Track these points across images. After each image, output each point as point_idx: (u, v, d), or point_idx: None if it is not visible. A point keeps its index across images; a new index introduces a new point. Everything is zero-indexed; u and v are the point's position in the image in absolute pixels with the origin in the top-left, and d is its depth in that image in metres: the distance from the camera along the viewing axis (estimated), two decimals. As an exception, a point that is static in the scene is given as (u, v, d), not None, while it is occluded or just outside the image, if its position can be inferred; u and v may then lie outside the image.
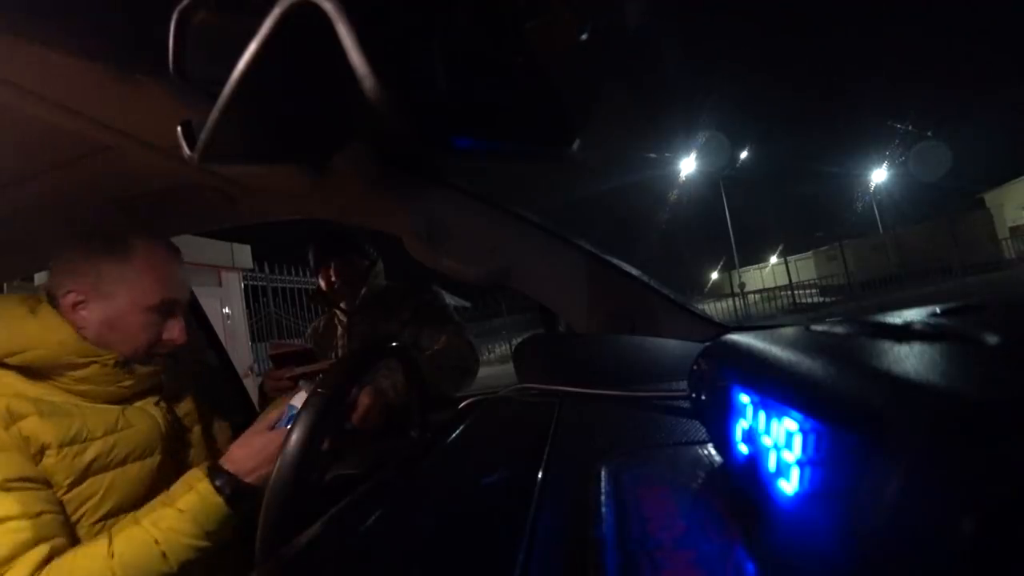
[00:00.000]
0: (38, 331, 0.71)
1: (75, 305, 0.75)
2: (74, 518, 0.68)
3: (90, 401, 0.74)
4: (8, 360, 0.69)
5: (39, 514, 0.62)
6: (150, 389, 0.82)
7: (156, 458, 0.77)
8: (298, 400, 0.74)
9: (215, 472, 0.70)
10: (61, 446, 0.67)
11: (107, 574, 0.60)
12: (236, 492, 0.70)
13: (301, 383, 0.85)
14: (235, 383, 1.41)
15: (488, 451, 0.50)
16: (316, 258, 1.42)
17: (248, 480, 0.71)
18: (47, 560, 0.60)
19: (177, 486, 0.70)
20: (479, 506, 0.36)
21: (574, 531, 0.26)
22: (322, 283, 1.42)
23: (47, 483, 0.66)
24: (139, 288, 0.77)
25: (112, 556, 0.61)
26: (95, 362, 0.73)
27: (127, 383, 0.77)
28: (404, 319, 1.35)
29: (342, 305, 1.42)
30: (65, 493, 0.67)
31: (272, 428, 0.75)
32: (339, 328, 1.42)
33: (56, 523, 0.64)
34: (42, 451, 0.66)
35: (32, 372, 0.71)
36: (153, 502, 0.69)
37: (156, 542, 0.64)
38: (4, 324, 0.71)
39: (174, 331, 0.81)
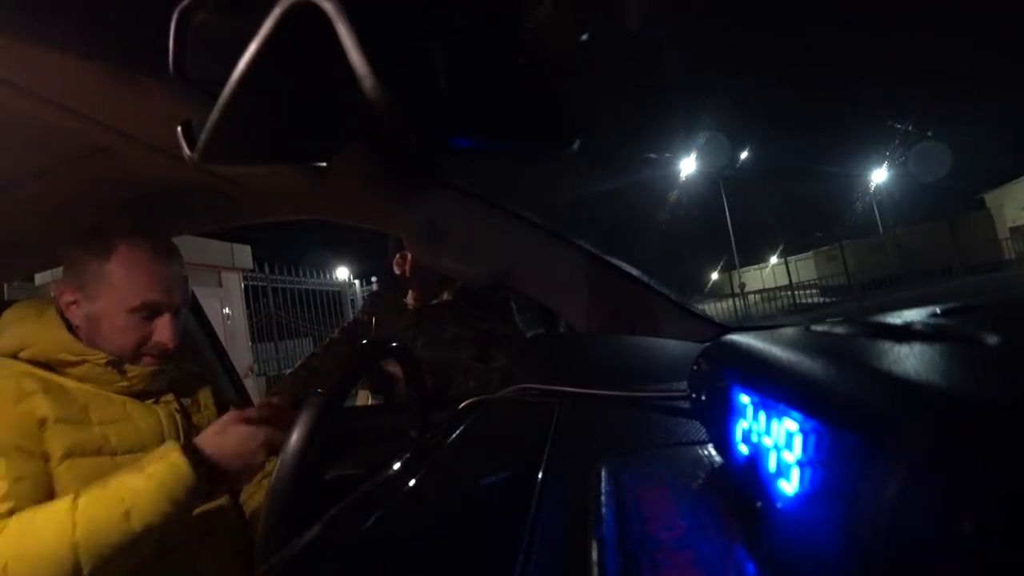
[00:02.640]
0: (38, 330, 0.77)
1: (68, 304, 0.79)
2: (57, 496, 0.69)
3: (94, 386, 0.77)
4: (20, 354, 0.76)
5: (18, 479, 0.65)
6: (162, 389, 0.84)
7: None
8: None
9: (188, 449, 0.70)
10: (57, 421, 0.70)
11: (68, 525, 0.60)
12: (205, 470, 0.69)
13: None
14: (235, 383, 1.41)
15: (488, 451, 0.50)
16: (396, 243, 1.40)
17: (219, 463, 0.70)
18: (9, 513, 0.62)
19: (150, 456, 0.70)
20: (479, 506, 0.35)
21: (574, 531, 0.26)
22: (396, 268, 1.41)
23: (44, 457, 0.68)
24: (119, 289, 0.77)
25: (76, 508, 0.61)
26: (86, 361, 0.76)
27: (122, 383, 0.78)
28: (481, 328, 1.33)
29: (411, 295, 1.40)
30: (56, 467, 0.70)
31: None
32: (404, 315, 1.40)
33: (32, 490, 0.66)
34: (43, 423, 0.69)
35: (42, 365, 0.76)
36: (124, 469, 0.70)
37: (121, 499, 0.63)
38: (17, 324, 0.78)
39: (163, 334, 0.80)
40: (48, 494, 0.67)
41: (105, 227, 0.80)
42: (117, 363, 0.77)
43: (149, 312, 0.79)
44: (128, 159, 0.77)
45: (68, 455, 0.70)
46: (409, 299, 1.41)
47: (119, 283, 0.77)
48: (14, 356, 0.76)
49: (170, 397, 0.85)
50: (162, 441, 0.79)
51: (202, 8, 0.28)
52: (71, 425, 0.71)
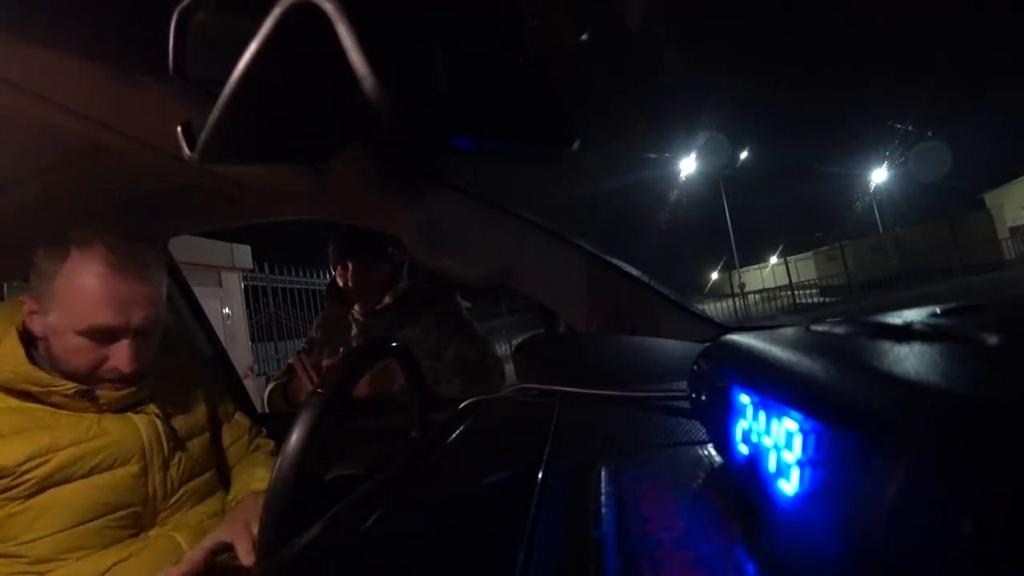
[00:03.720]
0: None
1: (31, 314, 0.73)
2: (36, 526, 0.68)
3: (68, 411, 0.73)
4: None
5: None
6: (142, 399, 0.79)
7: (132, 467, 0.75)
8: None
9: None
10: (18, 465, 0.67)
11: None
12: None
13: None
14: (235, 383, 1.41)
15: (488, 451, 0.50)
16: (335, 255, 1.38)
17: None
18: None
19: None
20: (479, 506, 0.35)
21: (574, 531, 0.26)
22: (339, 280, 1.39)
23: None
24: (66, 307, 0.69)
25: None
26: (54, 391, 0.71)
27: (93, 409, 0.74)
28: (427, 327, 1.33)
29: (356, 307, 1.40)
30: (22, 503, 0.67)
31: None
32: (354, 327, 1.40)
33: None
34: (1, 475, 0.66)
35: (10, 390, 0.71)
36: None
37: None
38: None
39: (119, 359, 0.72)
40: None
41: (74, 230, 0.72)
42: (86, 392, 0.72)
43: (100, 335, 0.71)
44: (128, 159, 0.77)
45: (39, 490, 0.68)
46: (355, 310, 1.40)
47: (67, 300, 0.69)
48: None
49: (150, 405, 0.80)
50: (143, 452, 0.76)
51: (202, 8, 0.28)
52: (34, 461, 0.68)
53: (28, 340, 0.73)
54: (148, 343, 0.76)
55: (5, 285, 1.34)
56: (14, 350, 0.71)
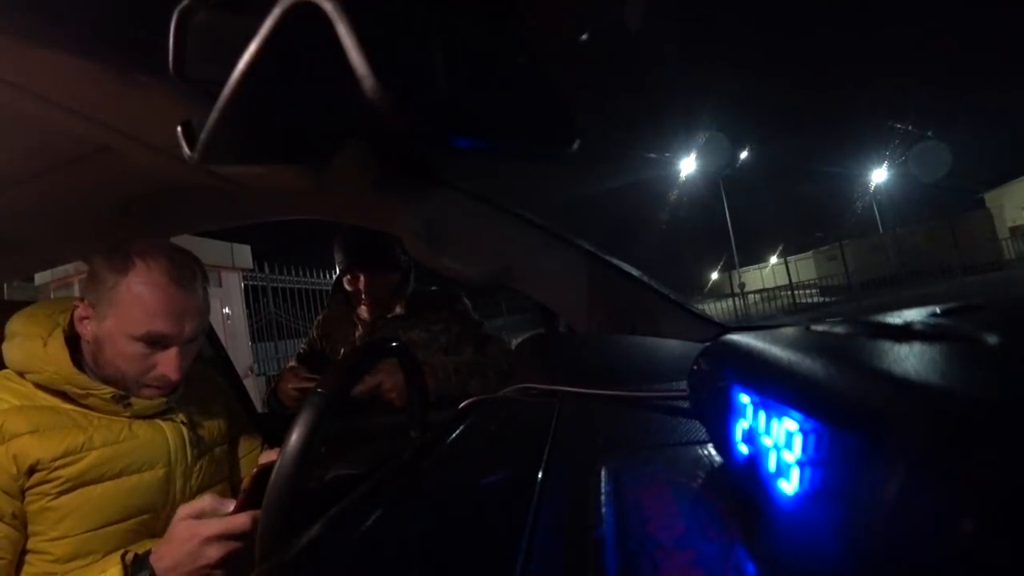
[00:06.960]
0: (43, 358, 0.73)
1: (81, 319, 0.76)
2: (62, 525, 0.69)
3: (99, 413, 0.75)
4: (26, 377, 0.74)
5: None
6: (170, 407, 0.81)
7: (157, 472, 0.77)
8: None
9: (135, 566, 0.64)
10: (53, 460, 0.69)
11: None
12: None
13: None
14: (235, 384, 1.41)
15: (488, 451, 0.50)
16: (345, 264, 1.35)
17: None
18: None
19: (94, 568, 0.68)
20: (479, 506, 0.35)
21: (574, 531, 0.26)
22: (347, 285, 1.38)
23: (14, 515, 0.68)
24: (125, 314, 0.72)
25: None
26: (92, 394, 0.74)
27: (126, 414, 0.76)
28: (435, 330, 1.33)
29: (363, 309, 1.39)
30: (52, 500, 0.69)
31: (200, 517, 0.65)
32: (358, 327, 1.39)
33: (9, 529, 0.67)
34: (31, 470, 0.68)
35: (46, 388, 0.74)
36: None
37: None
38: (23, 344, 0.74)
39: (167, 367, 0.75)
40: (24, 528, 0.68)
41: (130, 241, 0.76)
42: (123, 397, 0.75)
43: (154, 342, 0.74)
44: (128, 159, 0.77)
45: (71, 488, 0.70)
46: (363, 312, 1.39)
47: (126, 307, 0.72)
48: (21, 374, 0.74)
49: (177, 413, 0.83)
50: (170, 458, 0.79)
51: (202, 8, 0.28)
52: (69, 458, 0.70)
53: (71, 341, 0.76)
54: (192, 352, 0.80)
55: (5, 285, 1.34)
56: (59, 352, 0.74)
